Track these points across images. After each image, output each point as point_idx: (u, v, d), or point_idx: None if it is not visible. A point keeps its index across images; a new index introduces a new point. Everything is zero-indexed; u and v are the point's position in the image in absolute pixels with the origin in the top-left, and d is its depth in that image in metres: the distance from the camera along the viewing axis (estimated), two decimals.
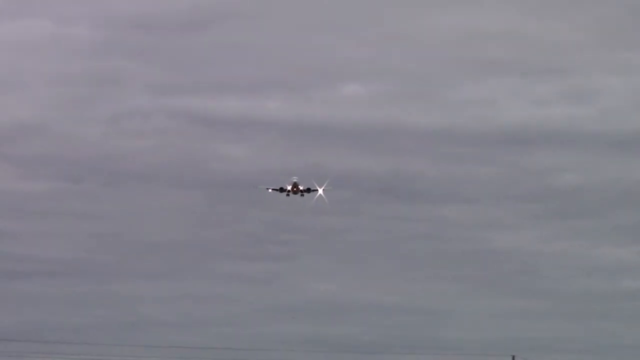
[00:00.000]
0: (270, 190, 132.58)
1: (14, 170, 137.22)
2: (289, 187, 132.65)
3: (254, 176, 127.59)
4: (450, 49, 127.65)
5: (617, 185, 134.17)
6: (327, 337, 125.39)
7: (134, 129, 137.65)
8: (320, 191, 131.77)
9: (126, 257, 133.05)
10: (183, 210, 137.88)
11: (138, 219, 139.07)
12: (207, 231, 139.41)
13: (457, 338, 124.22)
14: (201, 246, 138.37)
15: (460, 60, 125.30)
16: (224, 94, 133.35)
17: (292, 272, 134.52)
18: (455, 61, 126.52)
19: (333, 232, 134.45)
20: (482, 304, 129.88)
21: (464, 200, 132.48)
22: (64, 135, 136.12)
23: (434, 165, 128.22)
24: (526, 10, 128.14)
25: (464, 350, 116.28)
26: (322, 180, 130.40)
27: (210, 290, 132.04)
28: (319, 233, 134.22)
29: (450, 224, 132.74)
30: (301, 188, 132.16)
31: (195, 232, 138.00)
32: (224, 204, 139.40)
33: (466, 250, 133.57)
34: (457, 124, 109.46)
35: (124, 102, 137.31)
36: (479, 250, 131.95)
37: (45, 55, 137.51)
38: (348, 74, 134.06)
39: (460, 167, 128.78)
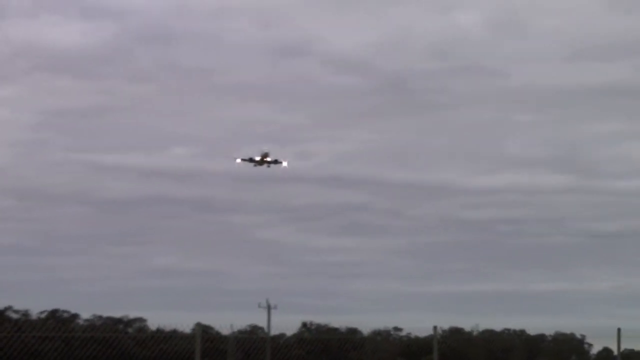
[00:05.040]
0: (239, 161, 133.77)
1: None
2: (258, 158, 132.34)
3: (128, 198, 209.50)
4: (231, 127, 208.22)
5: (325, 205, 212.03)
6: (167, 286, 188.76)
7: (59, 171, 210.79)
8: (285, 164, 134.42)
9: (53, 243, 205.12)
10: (85, 217, 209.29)
11: (59, 222, 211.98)
12: (99, 229, 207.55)
13: (238, 289, 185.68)
14: (95, 237, 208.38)
15: (237, 133, 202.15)
16: (112, 152, 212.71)
17: (148, 251, 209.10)
18: (233, 134, 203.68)
19: (169, 229, 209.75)
20: (250, 270, 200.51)
21: (245, 212, 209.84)
22: (18, 174, 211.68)
23: (229, 192, 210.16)
24: (274, 106, 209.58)
25: (242, 298, 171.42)
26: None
27: (103, 262, 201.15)
28: (162, 230, 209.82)
29: (238, 226, 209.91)
30: (269, 160, 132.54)
31: (92, 229, 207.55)
32: (109, 213, 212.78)
33: (244, 239, 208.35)
34: (241, 169, 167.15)
35: (53, 156, 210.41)
36: (253, 239, 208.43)
37: (6, 129, 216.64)
38: (177, 141, 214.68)
39: (244, 193, 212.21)
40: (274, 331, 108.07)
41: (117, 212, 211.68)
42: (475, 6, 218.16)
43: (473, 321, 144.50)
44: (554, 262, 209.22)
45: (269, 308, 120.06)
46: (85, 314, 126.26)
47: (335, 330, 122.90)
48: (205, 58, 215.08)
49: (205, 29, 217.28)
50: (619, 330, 54.27)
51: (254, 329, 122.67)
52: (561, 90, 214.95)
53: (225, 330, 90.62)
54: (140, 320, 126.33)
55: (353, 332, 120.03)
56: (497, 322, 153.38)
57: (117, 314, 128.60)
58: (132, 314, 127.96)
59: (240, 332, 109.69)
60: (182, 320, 60.44)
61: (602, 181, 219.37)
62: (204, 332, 40.77)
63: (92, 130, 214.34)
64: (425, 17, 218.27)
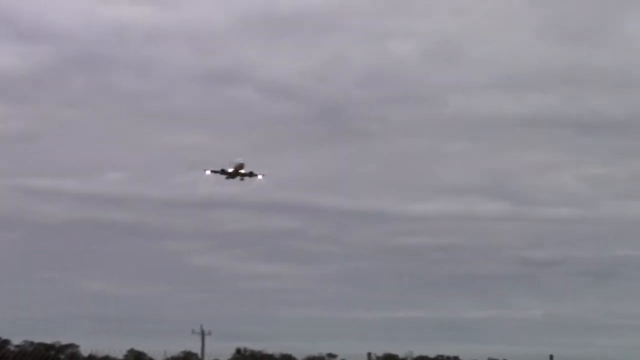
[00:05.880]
0: (209, 173, 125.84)
1: None
2: (230, 170, 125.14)
3: (61, 223, 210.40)
4: (165, 153, 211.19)
5: (260, 231, 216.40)
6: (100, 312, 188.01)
7: None
8: (260, 176, 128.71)
9: None
10: (18, 242, 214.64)
11: None
12: (32, 254, 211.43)
13: (171, 315, 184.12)
14: (27, 263, 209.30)
15: (171, 158, 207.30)
16: (45, 177, 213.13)
17: (81, 277, 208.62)
18: (168, 160, 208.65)
19: (102, 255, 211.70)
20: (184, 296, 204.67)
21: (179, 237, 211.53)
22: None
23: (163, 217, 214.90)
24: (209, 132, 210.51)
25: (175, 325, 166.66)
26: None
27: (35, 288, 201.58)
28: (94, 255, 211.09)
29: (171, 252, 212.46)
30: (243, 172, 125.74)
31: (24, 254, 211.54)
32: (42, 238, 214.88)
33: (178, 265, 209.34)
34: (174, 195, 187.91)
35: None
36: (186, 265, 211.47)
37: None
38: (112, 168, 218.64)
39: (177, 219, 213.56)
40: (208, 358, 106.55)
41: (50, 237, 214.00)
42: (410, 35, 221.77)
43: (407, 348, 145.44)
44: (486, 290, 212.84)
45: (202, 334, 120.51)
46: (17, 339, 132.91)
47: (269, 356, 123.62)
48: (140, 83, 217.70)
49: (140, 55, 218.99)
50: (551, 357, 55.10)
51: (188, 356, 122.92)
52: (494, 119, 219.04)
53: (158, 357, 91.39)
54: (73, 346, 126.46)
55: (287, 358, 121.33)
56: (431, 349, 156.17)
57: (48, 340, 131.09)
58: (64, 340, 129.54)
59: (173, 358, 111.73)
60: (115, 347, 60.37)
61: (534, 209, 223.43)
62: (137, 358, 40.32)
63: (25, 155, 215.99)
64: (360, 45, 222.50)
